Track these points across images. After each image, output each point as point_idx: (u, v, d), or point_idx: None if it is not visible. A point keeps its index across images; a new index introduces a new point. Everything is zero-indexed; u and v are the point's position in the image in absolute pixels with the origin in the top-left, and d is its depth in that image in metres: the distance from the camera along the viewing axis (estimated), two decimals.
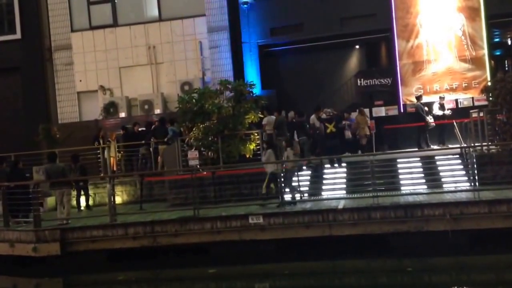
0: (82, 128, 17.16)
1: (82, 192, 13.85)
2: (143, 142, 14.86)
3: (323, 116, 14.08)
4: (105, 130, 16.22)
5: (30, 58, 18.90)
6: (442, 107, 14.98)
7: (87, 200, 13.90)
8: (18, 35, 19.02)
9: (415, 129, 14.91)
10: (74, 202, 13.53)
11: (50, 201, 13.99)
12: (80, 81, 18.64)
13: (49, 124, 17.54)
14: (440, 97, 15.27)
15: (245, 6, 18.08)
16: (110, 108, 17.79)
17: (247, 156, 12.94)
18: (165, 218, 10.93)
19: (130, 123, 16.28)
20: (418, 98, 15.16)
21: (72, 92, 18.72)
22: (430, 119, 14.61)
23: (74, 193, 13.39)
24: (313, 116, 14.51)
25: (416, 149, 14.19)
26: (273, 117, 13.77)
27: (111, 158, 14.78)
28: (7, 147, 16.14)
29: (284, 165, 11.32)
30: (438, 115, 14.77)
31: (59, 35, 18.82)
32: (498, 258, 9.52)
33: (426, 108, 14.86)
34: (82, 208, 13.72)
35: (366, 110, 15.34)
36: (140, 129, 15.62)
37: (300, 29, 17.73)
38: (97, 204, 14.36)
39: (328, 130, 12.99)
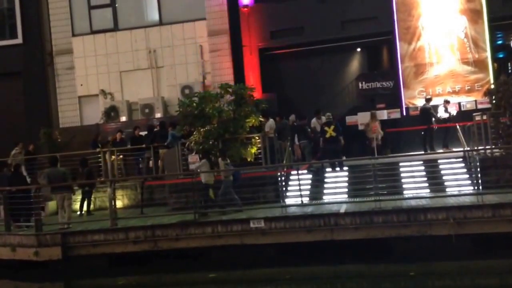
0: (83, 132, 17.15)
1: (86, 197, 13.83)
2: (143, 146, 14.83)
3: (323, 119, 14.01)
4: (102, 135, 16.16)
5: (31, 62, 18.95)
6: (446, 110, 14.91)
7: (88, 205, 13.87)
8: (19, 40, 19.08)
9: (417, 132, 14.82)
10: (76, 206, 13.50)
11: (51, 205, 13.97)
12: (81, 85, 18.65)
13: (50, 128, 17.57)
14: (445, 101, 15.19)
15: (246, 9, 18.05)
16: (111, 112, 17.79)
17: (248, 159, 12.88)
18: (166, 222, 10.90)
19: (131, 127, 16.25)
20: (428, 100, 15.07)
21: (73, 96, 18.75)
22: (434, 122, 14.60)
23: (76, 197, 13.37)
24: (314, 120, 14.44)
25: (418, 152, 14.10)
26: (273, 121, 13.72)
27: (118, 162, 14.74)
28: (9, 151, 16.16)
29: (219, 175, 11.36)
30: (444, 118, 14.70)
31: (60, 39, 18.88)
32: (502, 263, 9.41)
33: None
34: (83, 212, 13.66)
35: (367, 114, 15.22)
36: (141, 133, 15.58)
37: (300, 32, 17.68)
38: (97, 208, 14.32)
39: (328, 135, 12.90)
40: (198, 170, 11.76)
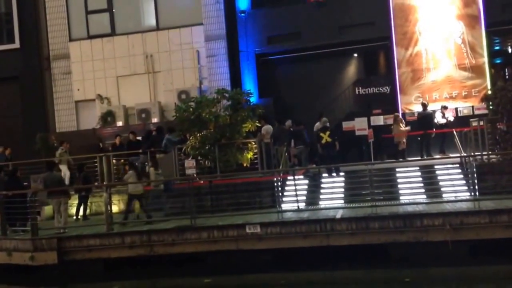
0: (80, 137, 17.10)
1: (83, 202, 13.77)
2: (140, 151, 14.79)
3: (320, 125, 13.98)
4: (103, 140, 16.13)
5: (28, 67, 18.94)
6: (443, 116, 14.92)
7: (84, 210, 13.82)
8: (16, 45, 19.08)
9: (414, 137, 14.80)
10: (72, 211, 13.45)
11: (48, 210, 13.91)
12: (78, 90, 18.64)
13: (47, 133, 17.52)
14: (443, 106, 15.19)
15: (243, 15, 18.09)
16: (108, 117, 17.76)
17: (245, 165, 12.85)
18: (162, 227, 10.84)
19: (127, 132, 16.21)
20: (425, 106, 15.08)
21: (70, 101, 18.72)
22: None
23: (72, 202, 13.31)
24: (317, 124, 14.24)
25: (414, 158, 14.09)
26: (271, 127, 13.70)
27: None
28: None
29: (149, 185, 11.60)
30: (441, 124, 14.71)
31: (57, 44, 18.87)
32: (499, 269, 9.37)
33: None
34: (79, 216, 13.62)
35: (364, 119, 15.22)
36: (137, 138, 15.53)
37: (297, 38, 17.71)
38: (93, 213, 14.26)
39: (323, 140, 12.87)
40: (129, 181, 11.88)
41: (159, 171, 12.02)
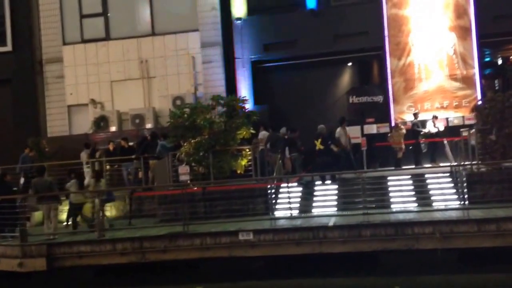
0: (72, 141, 17.00)
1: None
2: (133, 156, 14.76)
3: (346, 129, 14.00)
4: (97, 146, 16.05)
5: (20, 70, 18.82)
6: (435, 125, 15.11)
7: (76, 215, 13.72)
8: (9, 47, 18.98)
9: (406, 146, 14.96)
10: (63, 217, 13.35)
11: (37, 215, 13.79)
12: (71, 94, 18.56)
13: (38, 137, 17.38)
14: (434, 116, 15.38)
15: (239, 22, 18.19)
16: (101, 122, 17.68)
17: (238, 172, 12.88)
18: (154, 234, 10.80)
19: (120, 138, 16.16)
20: (416, 115, 15.24)
21: (62, 105, 18.62)
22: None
23: (63, 207, 13.22)
24: (339, 129, 13.96)
25: (406, 166, 14.22)
26: (267, 133, 13.75)
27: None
28: None
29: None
30: (432, 133, 14.88)
31: (50, 47, 18.79)
32: (487, 277, 9.48)
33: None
34: (69, 222, 13.52)
35: (357, 128, 15.36)
36: (130, 143, 15.48)
37: (293, 46, 17.84)
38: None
39: (317, 147, 12.95)
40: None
41: (102, 181, 12.07)
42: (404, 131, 14.82)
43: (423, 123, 15.34)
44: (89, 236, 11.08)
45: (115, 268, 10.73)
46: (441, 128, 15.23)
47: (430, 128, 15.04)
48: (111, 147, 15.54)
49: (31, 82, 18.88)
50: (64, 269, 10.74)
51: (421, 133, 14.95)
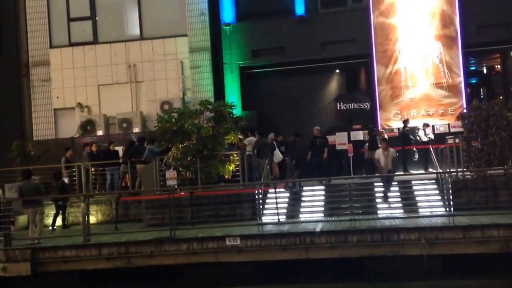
0: (58, 145, 16.78)
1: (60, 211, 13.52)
2: (120, 161, 14.66)
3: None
4: (73, 151, 15.79)
5: (6, 73, 18.58)
6: (425, 133, 15.25)
7: (63, 220, 13.57)
8: None
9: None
10: (48, 221, 13.19)
11: (22, 219, 13.60)
12: (58, 97, 18.39)
13: (23, 140, 17.17)
14: (425, 124, 15.49)
15: (227, 27, 18.25)
16: (87, 126, 17.53)
17: (226, 177, 12.86)
18: (140, 239, 10.72)
19: (107, 142, 16.04)
20: (406, 122, 15.37)
21: (49, 108, 18.42)
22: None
23: (49, 211, 13.06)
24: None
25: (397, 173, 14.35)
26: (254, 139, 13.78)
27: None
28: None
29: None
30: (423, 141, 15.02)
31: (37, 50, 18.59)
32: (471, 283, 9.59)
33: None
34: (55, 227, 13.35)
35: (344, 134, 15.47)
36: (116, 148, 15.36)
37: (281, 52, 17.95)
38: (70, 223, 14.02)
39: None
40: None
41: (13, 190, 11.99)
42: (386, 136, 14.86)
43: (413, 130, 15.47)
44: (74, 240, 10.95)
45: (100, 273, 10.62)
46: (431, 136, 15.32)
47: (421, 136, 15.15)
48: (93, 148, 15.36)
49: (17, 85, 18.67)
50: (48, 274, 10.61)
51: (412, 141, 15.05)
